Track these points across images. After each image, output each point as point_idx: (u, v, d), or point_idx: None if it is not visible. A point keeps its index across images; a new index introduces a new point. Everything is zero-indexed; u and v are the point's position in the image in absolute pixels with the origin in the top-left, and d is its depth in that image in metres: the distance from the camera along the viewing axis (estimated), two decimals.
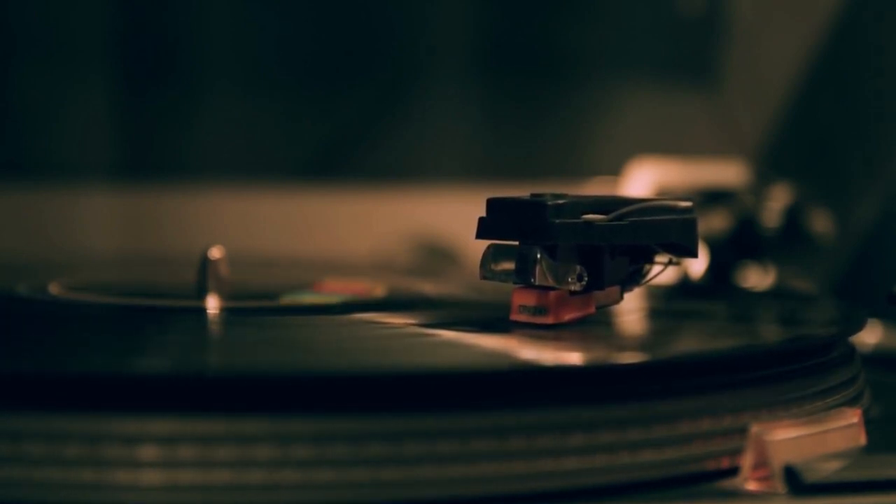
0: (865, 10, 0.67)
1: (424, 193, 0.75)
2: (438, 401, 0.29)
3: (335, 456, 0.28)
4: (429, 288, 0.50)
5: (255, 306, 0.44)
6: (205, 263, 0.44)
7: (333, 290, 0.47)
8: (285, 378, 0.30)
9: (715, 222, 0.58)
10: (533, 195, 0.37)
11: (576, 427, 0.30)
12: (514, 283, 0.37)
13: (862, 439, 0.33)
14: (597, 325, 0.38)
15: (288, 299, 0.46)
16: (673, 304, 0.48)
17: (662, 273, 0.39)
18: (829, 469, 0.31)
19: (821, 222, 0.58)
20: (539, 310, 0.36)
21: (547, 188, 0.39)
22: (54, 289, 0.47)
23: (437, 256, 0.71)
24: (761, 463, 0.31)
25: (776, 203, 0.58)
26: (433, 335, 0.36)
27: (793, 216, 0.58)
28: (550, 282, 0.36)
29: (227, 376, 0.30)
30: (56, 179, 0.73)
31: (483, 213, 0.37)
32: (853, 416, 0.33)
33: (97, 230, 0.73)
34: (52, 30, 0.73)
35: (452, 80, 0.77)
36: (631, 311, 0.42)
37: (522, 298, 0.37)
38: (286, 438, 0.28)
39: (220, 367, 0.33)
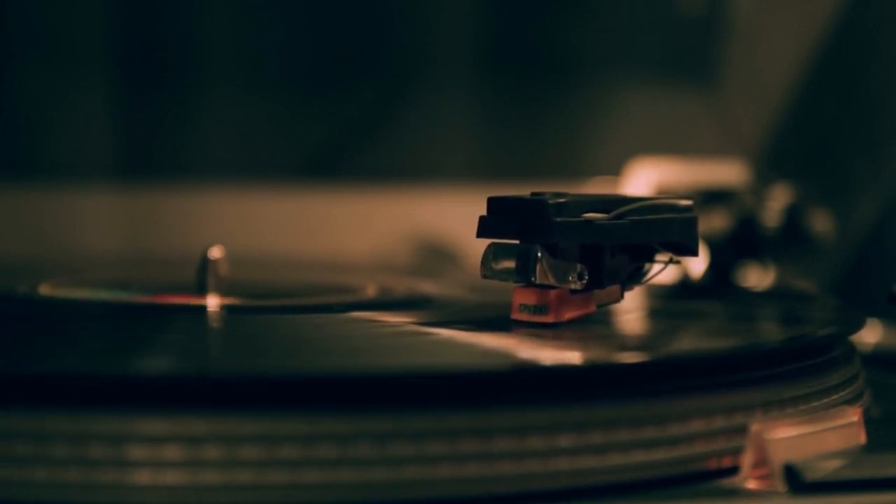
0: (865, 10, 0.67)
1: (425, 193, 0.75)
2: (436, 400, 0.29)
3: (332, 456, 0.28)
4: (429, 288, 0.50)
5: (255, 306, 0.44)
6: (205, 263, 0.44)
7: None
8: (284, 378, 0.30)
9: (715, 222, 0.58)
10: (533, 194, 0.37)
11: (575, 426, 0.30)
12: (515, 281, 0.37)
13: (862, 438, 0.33)
14: (597, 325, 0.38)
15: None
16: (673, 304, 0.48)
17: (663, 272, 0.39)
18: (829, 468, 0.31)
19: (821, 222, 0.58)
20: (539, 308, 0.36)
21: (547, 188, 0.39)
22: (53, 288, 0.47)
23: (437, 256, 0.71)
24: (761, 461, 0.31)
25: (776, 203, 0.58)
26: (433, 334, 0.36)
27: (793, 216, 0.58)
28: (551, 280, 0.36)
29: (226, 376, 0.30)
30: (56, 179, 0.73)
31: (483, 213, 0.37)
32: (853, 415, 0.33)
33: (97, 230, 0.73)
34: (52, 30, 0.73)
35: (453, 80, 0.76)
36: (631, 310, 0.42)
37: (523, 297, 0.37)
38: (283, 438, 0.28)
39: (219, 367, 0.33)
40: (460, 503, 0.29)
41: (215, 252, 0.44)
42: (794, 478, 0.30)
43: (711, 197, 0.58)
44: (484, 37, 0.77)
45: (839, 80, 0.70)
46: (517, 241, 0.36)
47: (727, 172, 0.61)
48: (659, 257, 0.39)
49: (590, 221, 0.36)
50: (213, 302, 0.43)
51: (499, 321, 0.37)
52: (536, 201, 0.36)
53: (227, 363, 0.33)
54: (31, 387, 0.29)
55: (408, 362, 0.32)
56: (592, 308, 0.38)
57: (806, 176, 0.64)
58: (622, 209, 0.36)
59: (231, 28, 0.75)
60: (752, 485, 0.31)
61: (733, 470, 0.31)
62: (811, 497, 0.30)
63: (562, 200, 0.36)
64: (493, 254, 0.37)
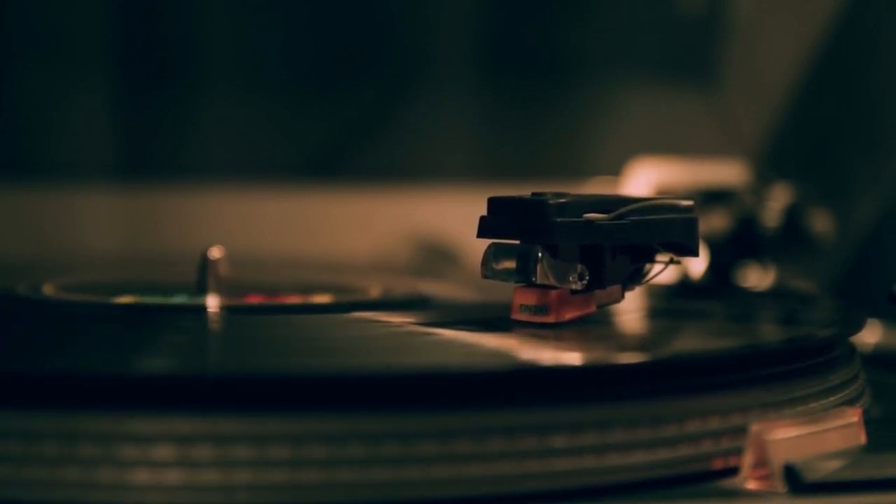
0: (865, 10, 0.67)
1: (425, 193, 0.75)
2: (435, 400, 0.29)
3: (329, 456, 0.28)
4: (429, 288, 0.50)
5: (255, 306, 0.44)
6: (205, 263, 0.44)
7: None
8: (283, 377, 0.30)
9: (715, 222, 0.58)
10: (534, 194, 0.37)
11: (574, 427, 0.30)
12: (516, 282, 0.37)
13: (862, 438, 0.33)
14: (597, 325, 0.38)
15: None
16: (673, 304, 0.48)
17: (663, 272, 0.39)
18: (829, 468, 0.31)
19: (821, 222, 0.58)
20: (540, 309, 0.36)
21: (547, 188, 0.39)
22: (52, 289, 0.47)
23: (437, 256, 0.71)
24: (761, 462, 0.31)
25: (776, 203, 0.58)
26: (433, 334, 0.36)
27: (793, 216, 0.58)
28: (551, 281, 0.36)
29: (224, 377, 0.30)
30: (56, 179, 0.73)
31: (484, 213, 0.37)
32: (853, 416, 0.33)
33: (97, 230, 0.73)
34: (52, 30, 0.73)
35: (453, 80, 0.77)
36: (631, 310, 0.42)
37: (523, 297, 0.37)
38: (282, 437, 0.28)
39: (218, 367, 0.33)
40: (462, 503, 0.29)
41: (215, 252, 0.44)
42: (794, 478, 0.30)
43: (711, 197, 0.58)
44: (484, 37, 0.77)
45: (839, 80, 0.70)
46: (518, 242, 0.36)
47: (727, 172, 0.61)
48: (659, 258, 0.39)
49: (590, 222, 0.36)
50: (212, 302, 0.43)
51: (499, 321, 0.37)
52: (537, 202, 0.36)
53: (227, 364, 0.33)
54: (27, 387, 0.29)
55: (407, 363, 0.32)
56: (593, 308, 0.38)
57: (806, 176, 0.64)
58: (623, 209, 0.36)
59: (231, 28, 0.75)
60: (752, 485, 0.31)
61: (733, 470, 0.31)
62: (811, 497, 0.30)
63: (563, 201, 0.36)
64: (493, 254, 0.37)
